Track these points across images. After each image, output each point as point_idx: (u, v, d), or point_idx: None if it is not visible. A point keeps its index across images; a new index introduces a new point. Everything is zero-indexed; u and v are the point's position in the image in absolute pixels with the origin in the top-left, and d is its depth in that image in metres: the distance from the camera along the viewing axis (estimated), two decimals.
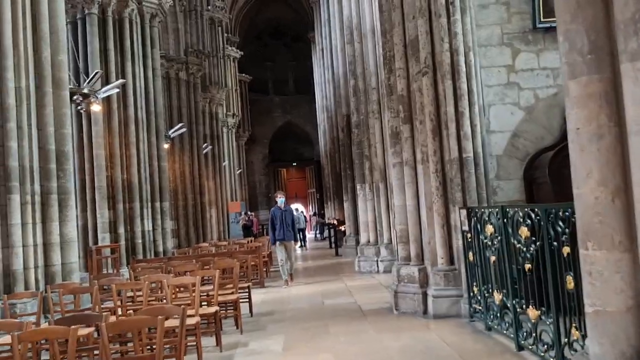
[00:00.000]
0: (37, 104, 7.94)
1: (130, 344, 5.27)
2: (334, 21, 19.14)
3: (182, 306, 4.17)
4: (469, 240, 6.43)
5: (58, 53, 8.26)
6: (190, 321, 5.57)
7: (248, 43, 37.11)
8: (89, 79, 10.68)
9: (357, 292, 9.90)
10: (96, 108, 11.40)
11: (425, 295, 7.22)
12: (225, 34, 27.85)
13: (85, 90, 10.77)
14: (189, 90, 19.12)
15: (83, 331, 4.64)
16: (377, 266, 12.53)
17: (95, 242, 12.30)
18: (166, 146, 15.16)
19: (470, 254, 6.41)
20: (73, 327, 3.57)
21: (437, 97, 7.09)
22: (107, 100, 12.51)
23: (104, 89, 11.15)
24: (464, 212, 6.51)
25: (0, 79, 7.50)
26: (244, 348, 6.34)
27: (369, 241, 13.22)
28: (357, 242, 14.93)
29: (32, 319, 6.36)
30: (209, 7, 23.37)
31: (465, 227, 6.45)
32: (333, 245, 19.24)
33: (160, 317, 3.55)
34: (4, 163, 7.44)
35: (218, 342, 6.30)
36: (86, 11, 12.74)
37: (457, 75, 6.95)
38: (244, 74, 33.94)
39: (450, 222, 6.95)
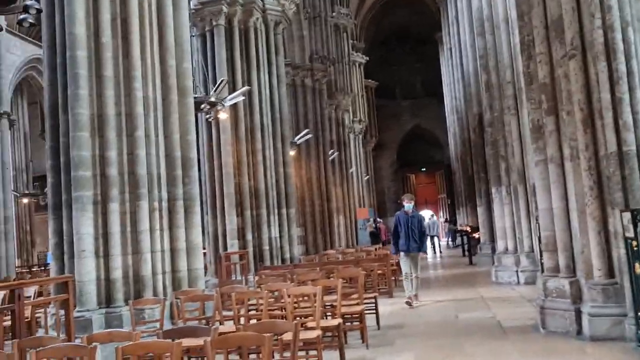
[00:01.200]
0: (163, 112, 8.05)
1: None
2: (463, 17, 18.15)
3: (296, 321, 3.73)
4: (635, 248, 5.37)
5: (182, 62, 8.35)
6: (311, 334, 5.16)
7: (374, 48, 36.79)
8: (216, 87, 10.83)
9: (495, 305, 8.96)
10: (223, 116, 11.58)
11: (578, 312, 6.21)
12: (351, 41, 27.73)
13: (213, 99, 10.94)
14: (315, 96, 19.09)
15: (197, 341, 4.39)
16: (517, 277, 11.39)
17: (225, 248, 12.48)
18: (292, 153, 15.14)
19: (637, 265, 5.35)
20: (177, 341, 3.27)
21: (588, 82, 6.10)
22: (234, 109, 12.69)
23: (230, 96, 11.28)
24: (627, 215, 5.46)
25: (129, 89, 7.69)
26: None
27: (506, 249, 12.10)
28: (493, 250, 13.80)
29: (157, 325, 6.35)
30: (334, 14, 23.33)
31: (630, 234, 5.41)
32: (466, 254, 18.12)
33: (267, 335, 3.15)
34: (133, 171, 7.59)
35: (342, 357, 5.83)
36: (214, 23, 13.07)
37: (613, 56, 5.91)
38: (370, 80, 33.64)
39: (608, 228, 5.91)
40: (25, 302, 6.53)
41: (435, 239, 24.24)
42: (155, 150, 7.85)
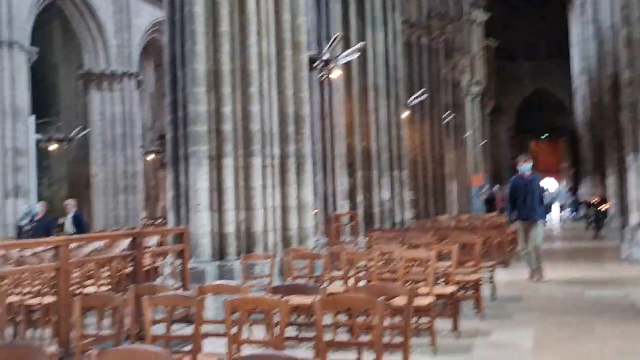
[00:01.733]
0: (277, 67, 7.94)
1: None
2: None
3: (410, 285, 3.45)
4: None
5: (297, 16, 8.15)
6: (423, 301, 4.86)
7: (494, 6, 34.57)
8: (329, 43, 10.58)
9: (629, 284, 8.12)
10: (336, 74, 11.33)
11: None
12: None
13: (326, 57, 10.72)
14: (431, 56, 18.28)
15: (306, 299, 4.27)
16: None
17: (335, 209, 12.40)
18: (405, 114, 14.64)
19: None
20: (285, 298, 3.13)
21: None
22: (347, 68, 12.40)
23: (343, 54, 10.99)
24: None
25: (245, 45, 7.63)
26: (485, 338, 5.43)
27: None
28: (624, 224, 12.58)
29: (267, 280, 6.37)
30: None
31: None
32: (591, 227, 16.80)
33: (379, 298, 2.90)
34: (247, 127, 7.59)
35: (455, 326, 5.50)
36: None
37: None
38: (490, 38, 31.79)
39: None
40: (145, 251, 6.83)
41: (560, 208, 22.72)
42: (268, 107, 7.79)
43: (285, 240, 7.86)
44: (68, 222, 11.47)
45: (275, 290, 3.75)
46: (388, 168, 12.84)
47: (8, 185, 17.11)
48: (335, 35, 10.52)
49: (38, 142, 19.46)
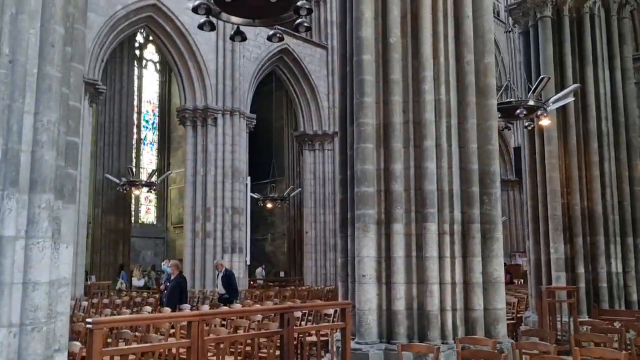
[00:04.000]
0: (458, 117, 6.80)
1: None
2: None
3: None
4: None
5: (483, 56, 6.94)
6: None
7: None
8: (534, 87, 9.02)
9: None
10: (546, 122, 9.67)
11: None
12: None
13: (531, 102, 9.18)
14: None
15: None
16: None
17: (549, 281, 10.39)
18: None
19: None
20: None
21: None
22: (562, 113, 10.57)
23: (553, 98, 9.31)
24: None
25: (418, 92, 6.70)
26: None
27: None
28: None
29: None
30: None
31: None
32: None
33: None
34: (421, 187, 6.55)
35: None
36: (538, 15, 11.19)
37: None
38: None
39: None
40: (300, 328, 6.11)
41: None
42: (447, 163, 6.66)
43: (469, 323, 6.48)
44: (219, 282, 11.58)
45: None
46: (619, 233, 10.41)
47: (226, 241, 18.26)
48: (541, 78, 8.92)
49: (256, 200, 20.67)
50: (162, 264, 16.28)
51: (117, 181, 19.51)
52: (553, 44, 10.98)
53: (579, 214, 10.38)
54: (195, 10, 4.70)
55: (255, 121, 19.54)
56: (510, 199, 28.11)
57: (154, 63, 29.92)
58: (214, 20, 4.95)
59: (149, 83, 29.82)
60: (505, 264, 10.45)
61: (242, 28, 5.24)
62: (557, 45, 10.99)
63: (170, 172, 26.47)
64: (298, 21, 4.99)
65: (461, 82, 6.85)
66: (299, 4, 4.78)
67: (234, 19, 5.09)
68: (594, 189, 10.43)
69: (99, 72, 16.18)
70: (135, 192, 21.19)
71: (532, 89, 9.05)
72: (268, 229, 28.45)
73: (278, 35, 5.50)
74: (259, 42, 18.94)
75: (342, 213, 7.21)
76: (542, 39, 11.08)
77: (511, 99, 9.56)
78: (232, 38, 5.38)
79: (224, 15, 4.96)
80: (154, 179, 19.80)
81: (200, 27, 5.00)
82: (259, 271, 23.81)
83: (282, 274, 25.66)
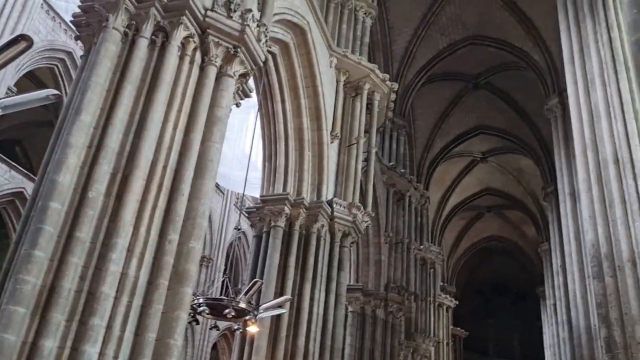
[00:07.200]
0: (143, 301, 5.87)
1: None
2: (571, 263, 15.42)
3: None
4: None
5: (190, 240, 6.37)
6: None
7: (466, 295, 33.73)
8: (247, 289, 8.61)
9: None
10: (253, 329, 9.16)
11: None
12: (441, 283, 25.23)
13: (243, 304, 8.68)
14: (386, 331, 16.19)
15: None
16: None
17: None
18: None
19: None
20: None
21: None
22: (276, 325, 10.29)
23: (264, 305, 8.97)
24: None
25: (104, 259, 5.71)
26: None
27: None
28: None
29: None
30: (421, 247, 21.34)
31: None
32: None
33: None
34: None
35: None
36: (272, 224, 11.44)
37: None
38: (458, 328, 29.98)
39: None
40: None
41: None
42: (113, 352, 5.51)
43: None
44: None
45: None
46: None
47: None
48: (254, 281, 8.60)
49: None
50: None
51: None
52: (280, 254, 11.13)
53: None
54: None
55: None
56: None
57: None
58: None
59: None
60: None
61: None
62: (284, 257, 11.16)
63: None
64: None
65: (158, 261, 6.07)
66: None
67: None
68: None
69: None
70: None
71: (244, 291, 8.62)
72: None
73: None
74: None
75: None
76: (272, 247, 11.22)
77: (223, 297, 8.99)
78: None
79: None
80: None
81: None
82: None
83: None
